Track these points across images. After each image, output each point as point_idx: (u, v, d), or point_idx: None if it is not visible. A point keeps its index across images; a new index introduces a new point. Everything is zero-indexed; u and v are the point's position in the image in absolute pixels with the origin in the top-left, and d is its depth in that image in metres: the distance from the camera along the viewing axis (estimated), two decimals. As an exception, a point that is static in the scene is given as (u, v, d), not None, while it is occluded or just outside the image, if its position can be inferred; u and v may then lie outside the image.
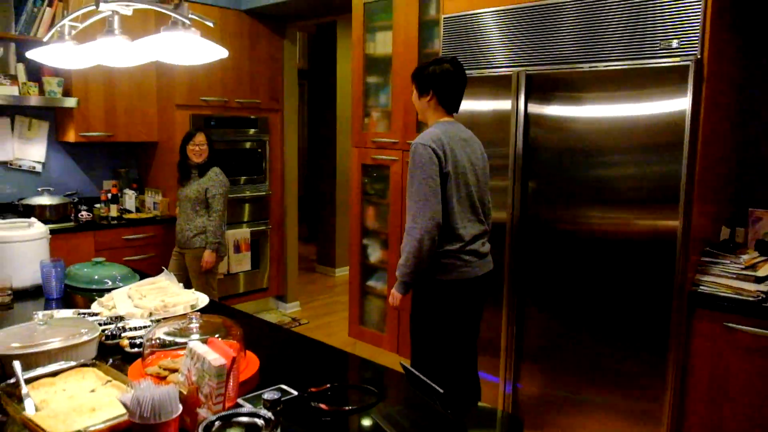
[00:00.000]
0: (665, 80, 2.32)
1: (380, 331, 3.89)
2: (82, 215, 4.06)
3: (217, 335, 1.61)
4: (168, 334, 1.61)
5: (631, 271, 2.48)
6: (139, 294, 2.22)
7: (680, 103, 2.29)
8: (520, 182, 2.78)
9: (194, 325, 1.64)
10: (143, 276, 2.63)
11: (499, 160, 2.84)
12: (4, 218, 3.74)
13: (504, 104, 2.81)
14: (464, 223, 2.37)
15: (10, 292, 2.25)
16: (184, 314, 1.94)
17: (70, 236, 3.79)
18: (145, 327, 1.85)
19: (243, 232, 4.64)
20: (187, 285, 3.97)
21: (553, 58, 2.64)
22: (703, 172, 2.37)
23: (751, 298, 2.30)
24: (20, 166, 4.08)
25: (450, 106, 2.47)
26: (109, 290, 2.32)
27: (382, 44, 3.82)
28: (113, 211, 4.16)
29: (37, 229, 2.44)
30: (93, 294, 2.37)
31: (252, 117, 4.71)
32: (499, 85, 2.82)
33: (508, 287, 2.86)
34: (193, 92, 4.32)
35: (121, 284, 2.47)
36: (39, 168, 4.16)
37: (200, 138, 3.77)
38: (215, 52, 1.72)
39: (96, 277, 2.51)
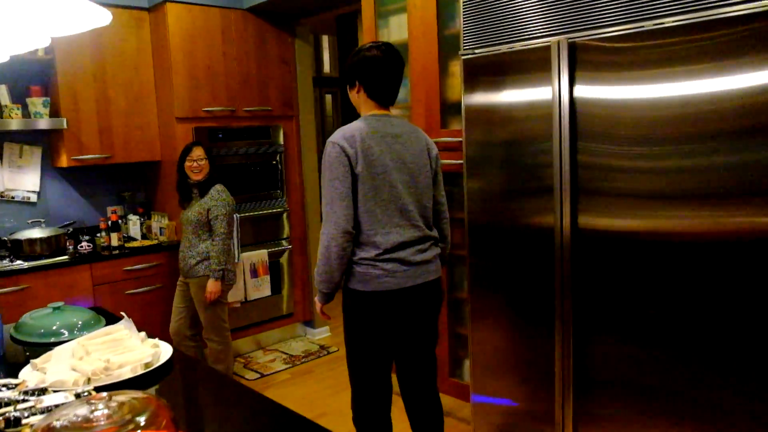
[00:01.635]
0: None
1: (414, 362, 3.33)
2: (81, 247, 3.68)
3: (131, 427, 1.12)
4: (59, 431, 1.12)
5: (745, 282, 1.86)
6: (84, 350, 1.75)
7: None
8: (569, 184, 2.19)
9: (101, 412, 1.15)
10: (113, 320, 2.18)
11: (543, 156, 2.26)
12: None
13: (542, 89, 2.24)
14: (386, 229, 2.14)
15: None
16: (104, 393, 1.45)
17: (64, 271, 3.41)
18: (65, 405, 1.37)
19: (260, 255, 4.18)
20: (196, 318, 3.56)
21: (603, 16, 2.05)
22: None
23: None
24: (13, 198, 3.74)
25: (381, 98, 2.23)
26: (62, 343, 1.88)
27: (397, 30, 3.30)
28: (114, 240, 3.77)
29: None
30: (50, 348, 1.93)
31: (263, 126, 4.26)
32: (534, 64, 2.25)
33: (561, 308, 2.27)
34: (194, 103, 3.90)
35: (81, 333, 2.03)
36: (34, 198, 3.81)
37: (198, 152, 3.34)
38: (91, 16, 1.20)
39: (54, 327, 2.07)
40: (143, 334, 1.89)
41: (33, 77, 3.67)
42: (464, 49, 2.52)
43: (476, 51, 2.47)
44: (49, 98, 3.57)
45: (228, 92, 4.06)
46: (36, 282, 3.31)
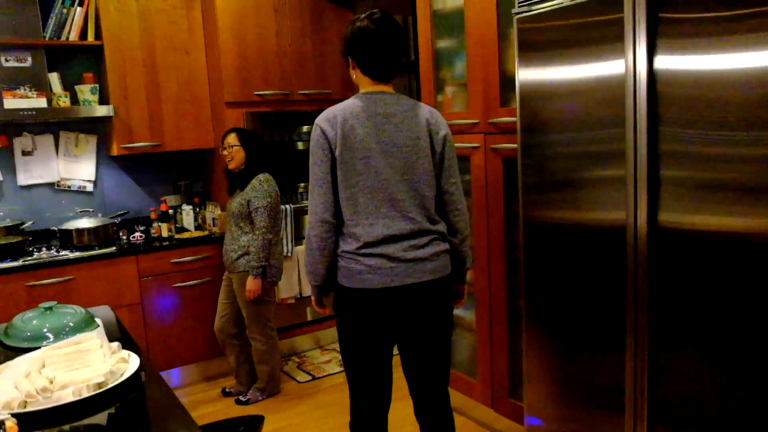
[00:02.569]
0: None
1: (471, 376, 2.92)
2: (134, 237, 3.59)
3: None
4: None
5: None
6: (41, 363, 1.53)
7: None
8: (646, 176, 1.69)
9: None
10: (118, 324, 1.97)
11: (612, 144, 1.79)
12: (39, 248, 3.36)
13: (614, 60, 1.75)
14: (370, 220, 1.92)
15: None
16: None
17: (109, 263, 3.31)
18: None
19: (316, 248, 3.90)
20: (241, 315, 3.35)
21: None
22: None
23: None
24: (69, 187, 3.70)
25: (375, 73, 1.99)
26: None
27: (454, -4, 2.88)
28: (164, 230, 3.64)
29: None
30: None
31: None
32: (604, 27, 1.77)
33: (635, 318, 1.78)
34: (246, 86, 3.67)
35: (69, 336, 1.83)
36: (90, 187, 3.76)
37: (230, 139, 3.11)
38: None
39: (44, 329, 1.88)
40: (116, 345, 1.64)
41: (83, 64, 3.60)
42: (519, 6, 2.07)
43: (533, 8, 2.01)
44: (97, 85, 3.48)
45: (282, 74, 3.80)
46: (81, 273, 3.23)
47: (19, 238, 3.28)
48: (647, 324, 1.74)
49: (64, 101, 3.37)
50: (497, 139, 2.55)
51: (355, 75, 2.06)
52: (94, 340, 1.64)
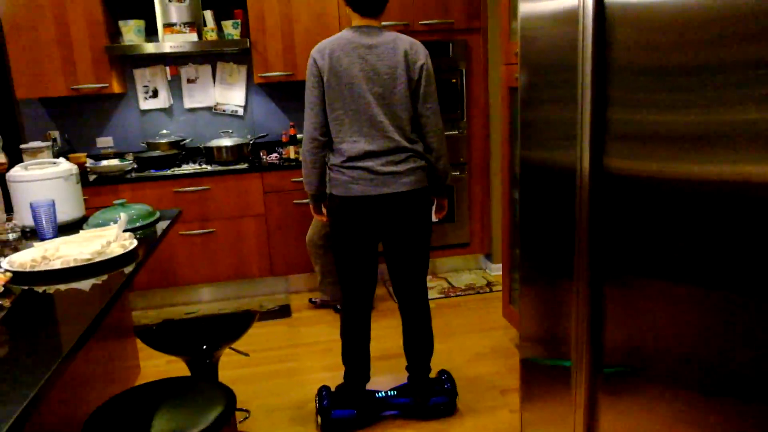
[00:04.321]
0: None
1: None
2: (270, 157, 4.08)
3: None
4: None
5: None
6: (64, 241, 1.99)
7: None
8: (590, 120, 1.50)
9: None
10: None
11: (569, 87, 1.60)
12: (188, 162, 4.03)
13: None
14: (354, 138, 2.25)
15: (10, 229, 2.30)
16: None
17: (239, 177, 3.85)
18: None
19: (427, 178, 4.00)
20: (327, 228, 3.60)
21: None
22: None
23: None
24: (224, 111, 4.32)
25: (362, 8, 2.26)
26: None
27: None
28: (291, 152, 4.07)
29: (56, 168, 2.41)
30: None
31: (443, 41, 3.95)
32: None
33: (581, 258, 1.63)
34: (366, 19, 3.82)
35: (137, 224, 2.36)
36: (240, 111, 4.34)
37: None
38: None
39: (117, 218, 2.38)
40: (127, 234, 2.04)
41: (234, 1, 4.09)
42: None
43: None
44: (239, 21, 3.94)
45: (401, 4, 3.86)
46: (215, 185, 3.82)
47: (175, 152, 3.98)
48: (588, 266, 1.58)
49: (211, 35, 3.90)
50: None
51: (348, 10, 2.32)
52: (113, 229, 2.06)
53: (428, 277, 4.25)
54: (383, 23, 3.85)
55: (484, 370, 2.95)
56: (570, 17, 1.59)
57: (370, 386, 2.71)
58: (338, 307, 3.75)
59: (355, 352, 2.48)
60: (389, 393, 2.54)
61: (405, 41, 2.28)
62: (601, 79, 1.49)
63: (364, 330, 2.48)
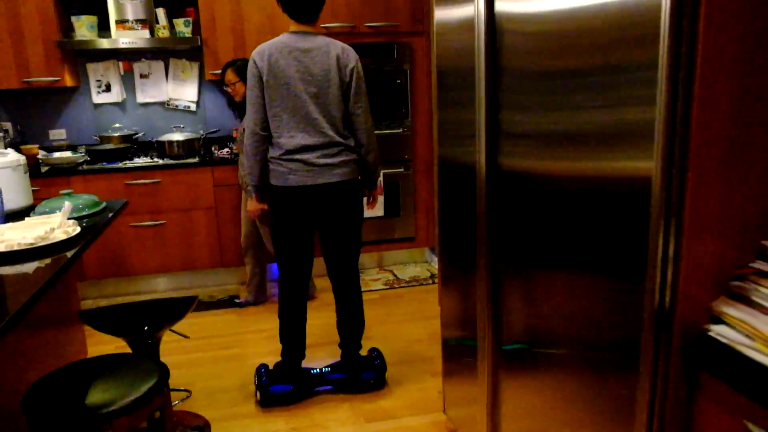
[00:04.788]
0: None
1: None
2: (221, 152, 4.21)
3: None
4: None
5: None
6: (17, 227, 2.11)
7: None
8: (485, 121, 1.71)
9: None
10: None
11: (469, 90, 1.80)
12: (139, 155, 4.13)
13: (468, 7, 1.75)
14: (291, 133, 2.45)
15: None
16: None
17: (190, 170, 3.97)
18: None
19: (373, 174, 4.19)
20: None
21: None
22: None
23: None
24: (177, 106, 4.43)
25: (296, 15, 2.46)
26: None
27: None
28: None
29: (4, 158, 2.51)
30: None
31: (387, 43, 4.13)
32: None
33: (481, 249, 1.83)
34: (315, 20, 3.98)
35: (82, 213, 2.46)
36: (193, 107, 4.45)
37: (229, 76, 3.52)
38: None
39: (58, 206, 2.49)
40: (71, 222, 2.16)
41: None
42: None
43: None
44: (190, 19, 4.05)
45: (347, 6, 4.03)
46: (166, 178, 3.93)
47: (128, 145, 4.07)
48: (487, 255, 1.79)
49: (164, 33, 4.01)
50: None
51: (286, 16, 2.51)
52: (57, 217, 2.18)
53: (376, 270, 4.45)
54: (327, 25, 4.02)
55: (418, 353, 3.15)
56: (469, 24, 1.79)
57: (306, 364, 2.88)
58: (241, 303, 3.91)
59: (292, 331, 2.66)
60: (324, 369, 2.73)
61: (337, 46, 2.49)
62: (494, 83, 1.69)
63: (300, 310, 2.66)
